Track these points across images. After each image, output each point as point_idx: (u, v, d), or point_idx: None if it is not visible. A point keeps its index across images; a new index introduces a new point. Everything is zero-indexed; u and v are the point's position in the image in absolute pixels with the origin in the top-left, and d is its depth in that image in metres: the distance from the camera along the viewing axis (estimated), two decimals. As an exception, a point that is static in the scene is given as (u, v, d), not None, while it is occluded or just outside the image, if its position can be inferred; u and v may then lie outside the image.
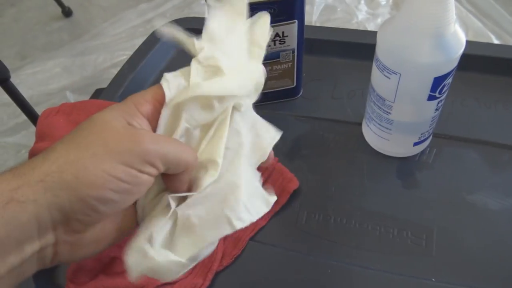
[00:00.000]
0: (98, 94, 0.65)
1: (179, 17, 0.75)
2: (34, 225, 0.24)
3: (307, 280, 0.44)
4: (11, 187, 0.23)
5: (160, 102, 0.29)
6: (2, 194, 0.23)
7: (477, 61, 0.62)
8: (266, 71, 0.56)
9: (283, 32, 0.52)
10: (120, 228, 0.29)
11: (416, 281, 0.43)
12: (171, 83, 0.30)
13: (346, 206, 0.50)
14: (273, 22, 0.51)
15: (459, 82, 0.60)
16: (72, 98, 1.11)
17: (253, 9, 0.49)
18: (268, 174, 0.51)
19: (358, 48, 0.64)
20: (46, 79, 1.19)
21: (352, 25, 1.22)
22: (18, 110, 0.82)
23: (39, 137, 0.55)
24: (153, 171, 0.26)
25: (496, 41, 1.12)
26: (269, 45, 0.52)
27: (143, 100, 0.28)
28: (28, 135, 1.04)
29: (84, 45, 1.29)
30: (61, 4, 1.42)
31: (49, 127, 0.55)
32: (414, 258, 0.45)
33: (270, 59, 0.55)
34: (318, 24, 1.23)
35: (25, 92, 1.12)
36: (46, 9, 1.47)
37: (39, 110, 0.72)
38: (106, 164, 0.24)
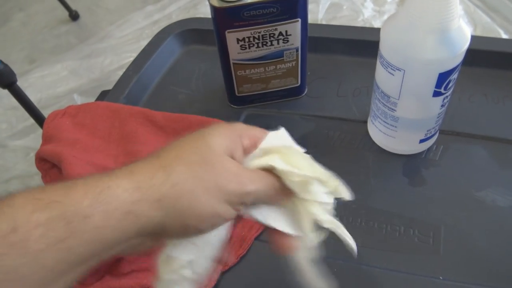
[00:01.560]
0: (103, 96, 0.65)
1: (184, 18, 0.75)
2: (137, 234, 0.26)
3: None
4: (132, 199, 0.25)
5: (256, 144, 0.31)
6: (123, 203, 0.25)
7: (484, 56, 0.61)
8: (270, 70, 0.56)
9: (286, 31, 0.52)
10: None
11: (423, 279, 0.43)
12: (273, 139, 0.32)
13: (352, 204, 0.49)
14: (276, 21, 0.51)
15: (467, 77, 0.60)
16: (79, 100, 1.11)
17: (257, 8, 0.49)
18: (273, 173, 0.51)
19: (363, 46, 0.64)
20: (54, 82, 1.20)
21: (358, 23, 1.21)
22: (27, 114, 0.83)
23: (46, 139, 0.55)
24: (241, 208, 0.29)
25: (504, 36, 1.11)
26: (272, 44, 0.52)
27: (247, 135, 0.31)
28: (36, 138, 1.05)
29: (91, 48, 1.30)
30: (68, 8, 1.43)
31: (55, 129, 0.55)
32: (421, 256, 0.45)
33: (273, 58, 0.55)
34: (324, 22, 1.22)
35: (34, 95, 1.14)
36: (54, 13, 1.48)
37: (47, 113, 0.72)
38: (215, 201, 0.27)
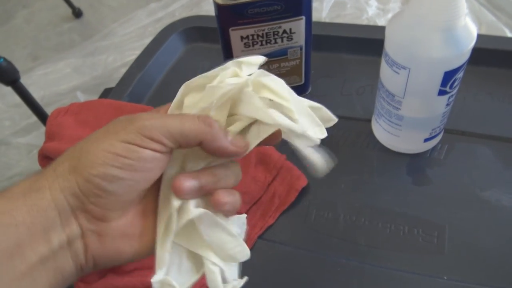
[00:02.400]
0: (106, 93, 0.65)
1: (187, 16, 0.75)
2: (54, 210, 0.25)
3: (316, 278, 0.44)
4: (31, 180, 0.25)
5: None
6: (23, 186, 0.25)
7: (490, 55, 0.60)
8: (274, 68, 0.56)
9: (290, 29, 0.51)
10: (151, 227, 0.28)
11: (427, 279, 0.43)
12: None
13: (355, 203, 0.49)
14: (280, 18, 0.50)
15: (472, 76, 0.59)
16: (82, 98, 1.12)
17: (261, 6, 0.49)
18: (276, 172, 0.51)
19: (367, 44, 0.63)
20: (57, 80, 1.21)
21: (363, 21, 1.21)
22: (30, 111, 0.83)
23: (49, 136, 0.55)
24: (158, 146, 0.26)
25: (510, 35, 1.10)
26: (276, 42, 0.52)
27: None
28: (39, 135, 1.06)
29: (95, 46, 1.30)
30: (71, 5, 1.43)
31: (58, 126, 0.55)
32: (425, 256, 0.44)
33: (277, 56, 0.54)
34: (327, 21, 1.22)
35: (37, 92, 1.14)
36: (57, 10, 1.48)
37: (50, 110, 0.72)
38: (105, 144, 0.25)
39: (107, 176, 0.25)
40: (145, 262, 0.43)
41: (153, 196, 0.29)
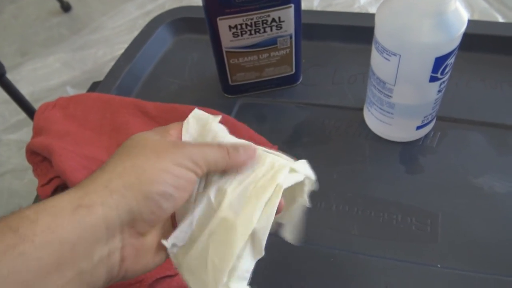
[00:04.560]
0: (94, 87, 0.64)
1: (177, 6, 0.74)
2: (102, 227, 0.25)
3: (309, 268, 0.44)
4: (78, 196, 0.25)
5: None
6: (70, 202, 0.24)
7: (482, 41, 0.60)
8: (264, 58, 0.55)
9: (279, 17, 0.51)
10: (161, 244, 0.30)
11: (421, 267, 0.42)
12: (191, 125, 0.33)
13: (348, 193, 0.49)
14: (269, 7, 0.49)
15: (464, 63, 0.59)
16: (72, 92, 1.10)
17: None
18: (268, 163, 0.50)
19: (358, 32, 0.62)
20: (46, 75, 1.19)
21: (354, 10, 1.20)
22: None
23: (36, 131, 0.54)
24: (199, 170, 0.29)
25: (502, 21, 1.10)
26: (265, 31, 0.51)
27: (172, 126, 0.32)
28: (30, 131, 1.03)
29: (84, 40, 1.29)
30: (59, -1, 1.41)
31: (46, 121, 0.54)
32: (418, 244, 0.44)
33: (267, 46, 0.53)
34: (319, 9, 1.20)
35: (26, 88, 1.13)
36: (45, 5, 1.46)
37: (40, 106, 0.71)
38: (161, 164, 0.27)
39: (165, 194, 0.27)
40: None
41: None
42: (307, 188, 0.34)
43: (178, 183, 0.27)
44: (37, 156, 0.52)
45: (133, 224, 0.26)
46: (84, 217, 0.24)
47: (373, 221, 0.46)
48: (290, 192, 0.34)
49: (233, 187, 0.30)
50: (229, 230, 0.28)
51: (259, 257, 0.30)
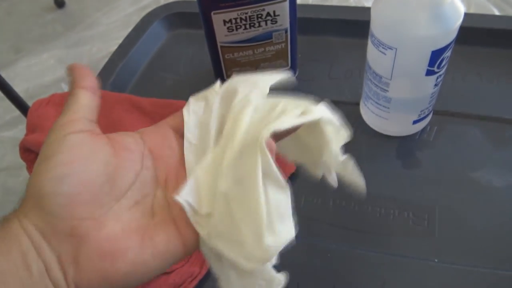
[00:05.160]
0: (89, 83, 0.63)
1: (172, 1, 0.73)
2: (25, 237, 0.24)
3: (306, 264, 0.43)
4: None
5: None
6: None
7: (478, 34, 0.60)
8: (259, 52, 0.55)
9: (274, 11, 0.50)
10: (136, 247, 0.25)
11: (418, 262, 0.42)
12: (192, 106, 0.30)
13: (345, 188, 0.48)
14: (264, 0, 0.49)
15: (460, 56, 0.59)
16: (67, 89, 1.09)
17: (242, -12, 0.47)
18: (264, 159, 0.49)
19: (354, 26, 0.62)
20: (41, 72, 1.18)
21: (350, 3, 1.19)
22: (14, 104, 0.81)
23: (30, 128, 0.54)
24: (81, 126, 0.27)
25: (498, 14, 1.10)
26: (260, 26, 0.51)
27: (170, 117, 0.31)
28: (24, 129, 1.03)
29: (79, 36, 1.28)
30: (53, -5, 1.40)
31: (39, 118, 0.54)
32: (416, 239, 0.44)
33: (262, 40, 0.53)
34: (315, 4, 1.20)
35: (21, 85, 1.12)
36: (39, 1, 1.45)
37: (33, 102, 0.71)
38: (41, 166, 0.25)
39: (53, 179, 0.24)
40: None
41: (137, 212, 0.27)
42: (331, 134, 0.31)
43: (61, 158, 0.24)
44: (31, 154, 0.51)
45: (52, 228, 0.24)
46: (6, 230, 0.24)
47: (370, 216, 0.46)
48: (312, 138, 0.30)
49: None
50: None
51: (286, 189, 0.27)
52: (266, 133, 0.26)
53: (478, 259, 0.42)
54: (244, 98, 0.29)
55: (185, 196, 0.26)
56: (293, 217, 0.27)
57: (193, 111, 0.30)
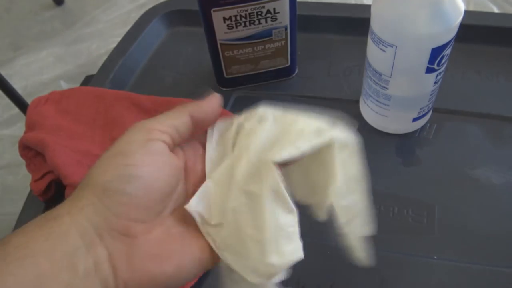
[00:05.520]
0: (88, 81, 0.63)
1: (170, -1, 0.73)
2: (75, 234, 0.23)
3: (305, 262, 0.43)
4: (45, 214, 0.24)
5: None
6: (37, 220, 0.24)
7: (477, 32, 0.60)
8: (259, 50, 0.55)
9: (274, 9, 0.50)
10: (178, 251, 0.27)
11: (417, 259, 0.42)
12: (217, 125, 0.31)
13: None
14: (263, -2, 0.49)
15: (459, 54, 0.58)
16: (66, 87, 1.09)
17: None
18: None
19: (354, 23, 0.62)
20: (40, 69, 1.18)
21: (350, 1, 1.19)
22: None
23: (29, 126, 0.54)
24: (164, 136, 0.27)
25: (497, 12, 1.09)
26: (260, 23, 0.51)
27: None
28: (23, 127, 1.03)
29: (77, 33, 1.27)
30: (51, -8, 1.39)
31: (38, 116, 0.54)
32: (415, 236, 0.44)
33: (262, 38, 0.53)
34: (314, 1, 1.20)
35: (20, 82, 1.12)
36: (37, -2, 1.44)
37: (31, 100, 0.70)
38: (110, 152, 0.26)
39: (123, 177, 0.25)
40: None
41: (175, 219, 0.28)
42: (344, 155, 0.30)
43: (135, 159, 0.25)
44: (30, 151, 0.51)
45: (109, 225, 0.24)
46: (53, 228, 0.23)
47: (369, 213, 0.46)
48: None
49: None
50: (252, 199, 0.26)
51: (294, 212, 0.27)
52: (278, 157, 0.26)
53: (478, 256, 0.42)
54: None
55: (195, 206, 0.27)
56: (300, 239, 0.28)
57: (217, 129, 0.30)
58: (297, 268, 0.43)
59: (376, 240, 0.44)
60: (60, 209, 0.24)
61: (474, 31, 0.59)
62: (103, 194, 0.24)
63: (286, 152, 0.27)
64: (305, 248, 0.44)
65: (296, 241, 0.27)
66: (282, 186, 0.26)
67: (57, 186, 0.48)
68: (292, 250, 0.27)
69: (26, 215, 0.48)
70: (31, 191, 0.49)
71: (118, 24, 1.25)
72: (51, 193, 0.48)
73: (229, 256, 0.26)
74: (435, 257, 0.42)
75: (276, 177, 0.26)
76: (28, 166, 0.52)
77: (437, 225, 0.44)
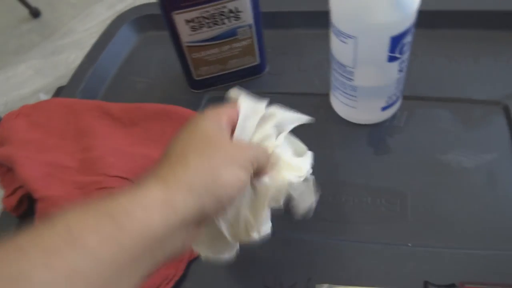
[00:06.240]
0: (60, 92, 0.63)
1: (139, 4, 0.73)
2: (182, 226, 0.28)
3: (282, 258, 0.43)
4: (164, 195, 0.27)
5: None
6: (157, 197, 0.27)
7: (444, 17, 0.60)
8: (226, 50, 0.54)
9: (236, 8, 0.50)
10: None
11: (392, 247, 0.42)
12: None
13: (317, 179, 0.48)
14: (224, -3, 0.49)
15: (427, 40, 0.59)
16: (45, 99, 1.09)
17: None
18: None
19: (321, 17, 0.61)
20: (19, 83, 1.17)
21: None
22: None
23: (0, 142, 0.53)
24: (252, 170, 0.33)
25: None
26: (223, 23, 0.51)
27: (222, 111, 0.35)
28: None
29: (55, 45, 1.27)
30: (27, 5, 1.38)
31: (9, 131, 0.53)
32: (389, 225, 0.44)
33: (227, 38, 0.53)
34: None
35: (0, 99, 1.11)
36: (14, 12, 1.43)
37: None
38: (233, 169, 0.31)
39: (232, 198, 0.31)
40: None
41: None
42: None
43: (242, 186, 0.32)
44: (2, 167, 0.51)
45: (201, 220, 0.29)
46: (170, 216, 0.27)
47: (343, 205, 0.46)
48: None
49: None
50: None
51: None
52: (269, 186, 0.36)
53: (451, 240, 0.42)
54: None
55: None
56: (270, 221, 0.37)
57: (244, 113, 0.37)
58: (273, 264, 0.43)
59: (351, 231, 0.44)
60: (178, 195, 0.28)
61: (441, 16, 0.59)
62: (214, 202, 0.30)
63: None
64: (281, 243, 0.44)
65: (268, 223, 0.37)
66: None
67: (30, 201, 0.48)
68: (265, 229, 0.36)
69: None
70: (3, 207, 0.49)
71: (96, 33, 1.23)
72: (24, 208, 0.48)
73: (224, 224, 0.35)
74: (409, 244, 0.42)
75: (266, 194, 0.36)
76: (1, 182, 0.51)
77: (410, 212, 0.45)
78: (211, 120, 0.33)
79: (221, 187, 0.29)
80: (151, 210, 0.26)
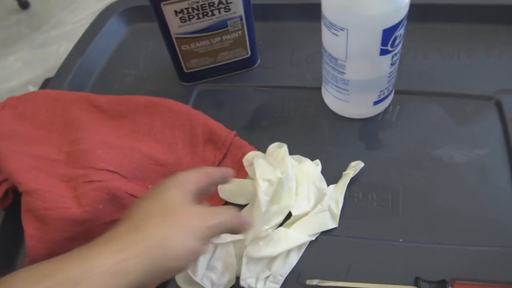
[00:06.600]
0: (46, 84, 0.62)
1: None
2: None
3: (272, 254, 0.43)
4: (115, 261, 0.29)
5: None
6: (109, 266, 0.29)
7: (436, 10, 0.59)
8: (216, 42, 0.54)
9: (226, -1, 0.49)
10: None
11: (383, 243, 0.42)
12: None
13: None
14: (215, -12, 0.48)
15: (420, 33, 0.58)
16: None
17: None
18: (226, 150, 0.49)
19: (313, 9, 0.60)
20: (7, 76, 1.15)
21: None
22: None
23: (-15, 135, 0.52)
24: (215, 239, 0.35)
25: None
26: (213, 14, 0.50)
27: (191, 179, 0.36)
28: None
29: (44, 36, 1.25)
30: (15, -4, 1.36)
31: (-6, 123, 0.52)
32: (380, 220, 0.44)
33: (217, 29, 0.52)
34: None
35: (-13, 91, 1.09)
36: (2, 3, 1.41)
37: None
38: (186, 240, 0.32)
39: (181, 270, 0.34)
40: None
41: None
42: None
43: (192, 258, 0.33)
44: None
45: (144, 286, 0.31)
46: (118, 283, 0.29)
47: (334, 200, 0.46)
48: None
49: None
50: None
51: None
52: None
53: (442, 236, 0.42)
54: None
55: None
56: None
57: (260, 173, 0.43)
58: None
59: (342, 226, 0.44)
60: (130, 264, 0.29)
61: (433, 10, 0.59)
62: (162, 274, 0.32)
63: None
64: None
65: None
66: None
67: (15, 194, 0.47)
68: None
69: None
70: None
71: (85, 25, 1.21)
72: (9, 201, 0.47)
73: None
74: (401, 240, 0.42)
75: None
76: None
77: (402, 208, 0.44)
78: (178, 189, 0.34)
79: (171, 259, 0.31)
80: (100, 280, 0.28)
